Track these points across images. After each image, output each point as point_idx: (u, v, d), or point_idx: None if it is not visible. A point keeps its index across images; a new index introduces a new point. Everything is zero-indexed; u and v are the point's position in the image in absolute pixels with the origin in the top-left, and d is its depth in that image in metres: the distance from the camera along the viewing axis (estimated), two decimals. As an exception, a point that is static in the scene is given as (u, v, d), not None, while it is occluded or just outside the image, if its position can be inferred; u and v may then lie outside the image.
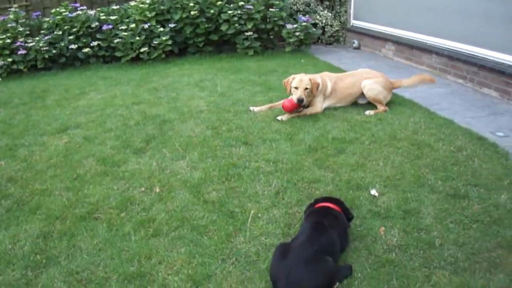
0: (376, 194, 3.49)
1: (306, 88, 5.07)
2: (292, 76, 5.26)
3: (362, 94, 5.41)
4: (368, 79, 5.40)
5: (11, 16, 8.57)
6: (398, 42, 8.03)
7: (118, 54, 8.36)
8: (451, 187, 3.57)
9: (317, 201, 3.12)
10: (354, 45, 9.30)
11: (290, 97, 5.13)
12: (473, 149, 4.21)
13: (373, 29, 8.94)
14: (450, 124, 4.84)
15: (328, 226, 2.79)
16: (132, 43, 8.17)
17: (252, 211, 3.32)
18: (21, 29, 8.39)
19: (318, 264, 2.54)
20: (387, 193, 3.51)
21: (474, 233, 3.01)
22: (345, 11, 9.76)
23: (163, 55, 8.35)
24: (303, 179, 3.75)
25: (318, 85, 5.21)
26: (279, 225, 3.15)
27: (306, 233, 2.76)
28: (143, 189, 3.77)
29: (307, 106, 5.26)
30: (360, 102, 5.49)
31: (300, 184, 3.67)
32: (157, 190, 3.72)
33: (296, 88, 5.10)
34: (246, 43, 8.49)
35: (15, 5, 9.04)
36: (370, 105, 5.36)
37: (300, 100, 5.04)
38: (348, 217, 3.05)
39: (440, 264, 2.74)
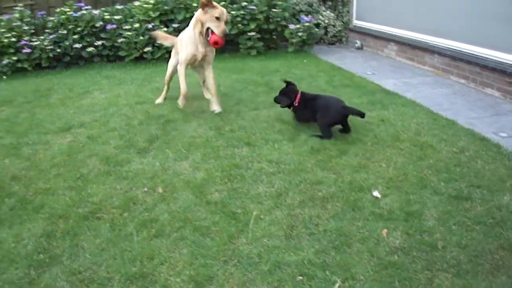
0: (379, 196, 3.50)
1: (226, 22, 4.96)
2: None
3: None
4: None
5: (17, 15, 8.59)
6: (401, 42, 8.03)
7: (121, 53, 8.38)
8: (454, 189, 3.57)
9: None
10: (356, 45, 9.30)
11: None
12: (476, 150, 4.21)
13: (375, 29, 8.94)
14: (452, 124, 4.84)
15: None
16: (136, 42, 8.19)
17: (254, 213, 3.33)
18: (26, 28, 8.39)
19: None
20: (390, 194, 3.52)
21: (477, 235, 3.01)
22: (348, 11, 9.76)
23: (167, 55, 8.32)
24: (306, 180, 3.76)
25: None
26: (281, 227, 3.15)
27: None
28: (146, 189, 3.78)
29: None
30: None
31: (303, 186, 3.68)
32: (160, 190, 3.73)
33: (217, 18, 4.90)
34: (249, 43, 8.50)
35: (20, 4, 9.09)
36: (372, 105, 5.37)
37: (226, 34, 4.95)
38: None
39: (443, 267, 2.74)
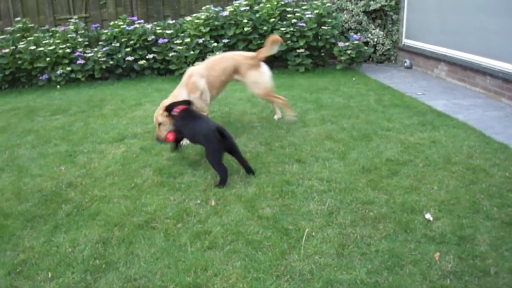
0: (431, 219, 3.47)
1: (160, 124, 4.78)
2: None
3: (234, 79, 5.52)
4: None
5: (71, 27, 8.94)
6: (451, 63, 7.92)
7: (172, 67, 8.57)
8: (506, 215, 3.51)
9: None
10: (405, 64, 9.23)
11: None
12: (529, 176, 4.13)
13: (425, 48, 8.85)
14: (505, 149, 4.75)
15: None
16: (186, 57, 8.38)
17: (307, 230, 3.36)
18: (80, 39, 8.73)
19: None
20: (442, 217, 3.49)
21: (530, 263, 2.96)
22: (397, 30, 9.71)
23: (216, 70, 8.51)
24: (357, 199, 3.77)
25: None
26: (333, 245, 3.17)
27: None
28: (199, 201, 3.86)
29: None
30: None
31: (354, 205, 3.69)
32: (213, 203, 3.81)
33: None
34: (298, 60, 8.56)
35: (75, 17, 9.41)
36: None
37: (157, 139, 4.89)
38: None
39: (496, 293, 2.70)
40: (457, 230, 3.32)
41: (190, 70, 5.37)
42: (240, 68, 5.43)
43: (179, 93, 5.12)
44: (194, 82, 5.16)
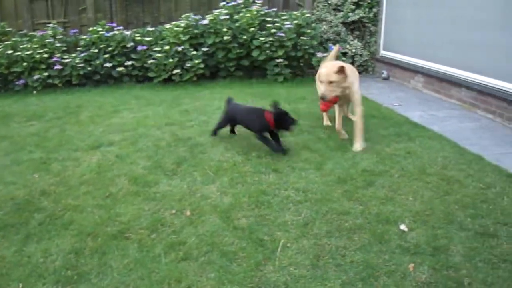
0: (406, 229, 3.49)
1: (331, 82, 4.82)
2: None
3: None
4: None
5: (49, 32, 8.84)
6: (428, 74, 8.03)
7: (151, 74, 8.53)
8: (480, 225, 3.55)
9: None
10: (383, 75, 9.33)
11: None
12: (502, 186, 4.18)
13: (402, 60, 8.96)
14: (479, 160, 4.81)
15: None
16: (165, 64, 8.34)
17: (282, 241, 3.35)
18: (58, 45, 8.64)
19: None
20: (416, 228, 3.51)
21: (503, 273, 3.00)
22: (375, 41, 9.83)
23: (195, 78, 8.47)
24: (332, 210, 3.77)
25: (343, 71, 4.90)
26: (308, 256, 3.17)
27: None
28: (174, 211, 3.83)
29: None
30: None
31: (329, 216, 3.69)
32: (188, 213, 3.78)
33: (321, 82, 4.97)
34: (276, 70, 8.59)
35: (53, 21, 9.30)
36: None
37: (322, 97, 4.93)
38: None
39: (469, 304, 2.73)
40: (432, 241, 3.35)
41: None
42: None
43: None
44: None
